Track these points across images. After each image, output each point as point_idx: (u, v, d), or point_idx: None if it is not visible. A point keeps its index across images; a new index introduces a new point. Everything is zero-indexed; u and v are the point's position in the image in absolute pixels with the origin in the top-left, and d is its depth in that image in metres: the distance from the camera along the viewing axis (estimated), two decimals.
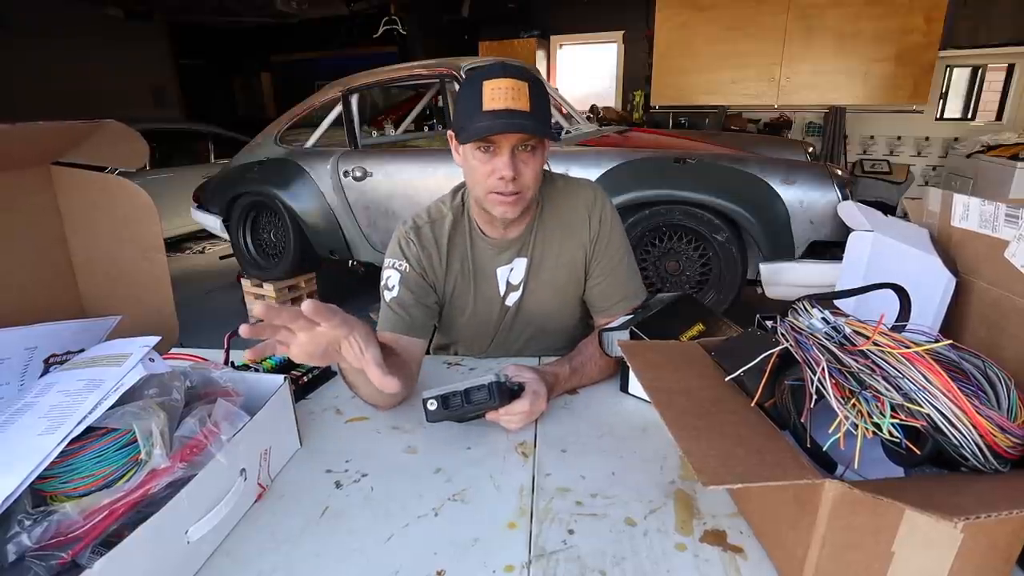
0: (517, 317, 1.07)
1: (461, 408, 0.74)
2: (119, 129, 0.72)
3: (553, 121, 3.07)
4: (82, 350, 0.68)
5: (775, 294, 2.37)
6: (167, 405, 0.58)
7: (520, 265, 1.03)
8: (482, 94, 0.84)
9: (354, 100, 3.02)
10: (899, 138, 5.26)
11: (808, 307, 0.59)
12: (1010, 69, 4.82)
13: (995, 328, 0.69)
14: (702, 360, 0.67)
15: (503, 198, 0.89)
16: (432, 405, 0.74)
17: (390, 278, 0.97)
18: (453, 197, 1.04)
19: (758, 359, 0.58)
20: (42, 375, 0.67)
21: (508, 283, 1.04)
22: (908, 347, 0.50)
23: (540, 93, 0.86)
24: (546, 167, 0.98)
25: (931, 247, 0.77)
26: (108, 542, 0.48)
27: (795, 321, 0.59)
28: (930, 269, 0.75)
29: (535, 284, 1.04)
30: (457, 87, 2.76)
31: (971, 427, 0.46)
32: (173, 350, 0.88)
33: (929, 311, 0.74)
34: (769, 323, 0.65)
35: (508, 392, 0.77)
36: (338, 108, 3.07)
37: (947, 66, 4.96)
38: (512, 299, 1.05)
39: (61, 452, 0.50)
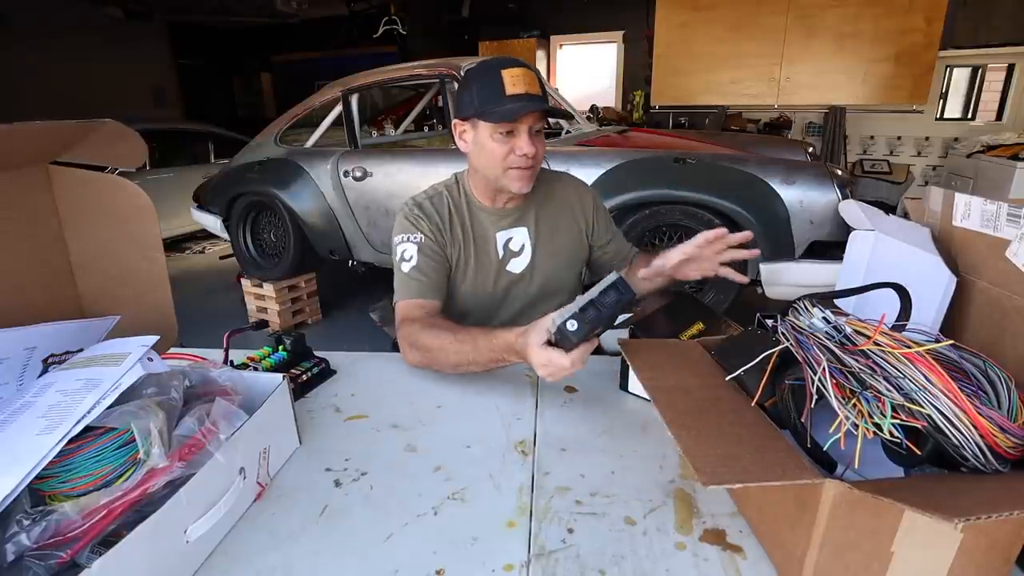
0: (526, 281, 1.13)
1: (599, 315, 0.66)
2: (117, 129, 0.72)
3: (553, 121, 3.09)
4: (81, 350, 0.68)
5: (775, 294, 2.37)
6: (166, 404, 0.58)
7: (520, 234, 1.12)
8: (502, 81, 0.93)
9: (354, 100, 3.01)
10: (899, 138, 5.25)
11: (809, 306, 0.59)
12: (1010, 69, 4.81)
13: (996, 328, 0.69)
14: (702, 359, 0.67)
15: (522, 172, 1.00)
16: (572, 325, 0.65)
17: (406, 251, 1.03)
18: (446, 181, 1.14)
19: (758, 358, 0.58)
20: (41, 375, 0.66)
21: (508, 249, 1.11)
22: (909, 347, 0.50)
23: (543, 81, 1.00)
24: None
25: (932, 246, 0.77)
26: (107, 541, 0.48)
27: (796, 320, 0.59)
28: (931, 268, 0.75)
29: (542, 247, 1.13)
30: (457, 87, 2.76)
31: (972, 427, 0.46)
32: (172, 350, 0.88)
33: (930, 311, 0.74)
34: (769, 322, 0.65)
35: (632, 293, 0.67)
36: (338, 108, 3.06)
37: (947, 66, 4.96)
38: (515, 265, 1.12)
39: (59, 452, 0.49)
